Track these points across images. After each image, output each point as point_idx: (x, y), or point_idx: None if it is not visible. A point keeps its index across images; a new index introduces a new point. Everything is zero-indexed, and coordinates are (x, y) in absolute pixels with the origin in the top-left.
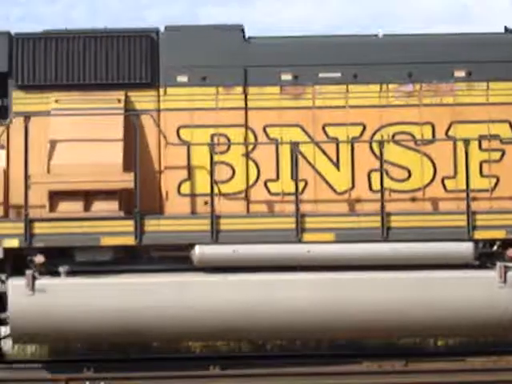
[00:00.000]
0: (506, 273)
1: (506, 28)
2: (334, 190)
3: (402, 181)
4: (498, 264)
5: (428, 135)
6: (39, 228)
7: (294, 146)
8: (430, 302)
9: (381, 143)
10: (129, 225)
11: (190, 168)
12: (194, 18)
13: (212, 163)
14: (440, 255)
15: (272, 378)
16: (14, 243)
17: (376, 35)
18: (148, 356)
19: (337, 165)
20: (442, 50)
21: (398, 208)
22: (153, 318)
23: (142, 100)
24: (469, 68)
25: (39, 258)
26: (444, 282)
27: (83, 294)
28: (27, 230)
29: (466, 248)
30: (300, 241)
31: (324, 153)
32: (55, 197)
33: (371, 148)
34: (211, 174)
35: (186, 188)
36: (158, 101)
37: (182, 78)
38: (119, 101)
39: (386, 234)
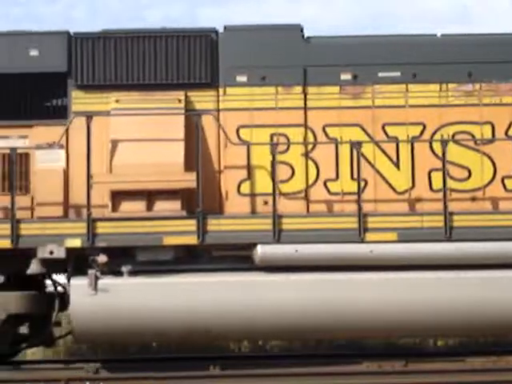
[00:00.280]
0: None
1: None
2: (394, 190)
3: (462, 180)
4: None
5: (488, 135)
6: (101, 228)
7: (357, 145)
8: (495, 301)
9: (444, 142)
10: (191, 224)
11: (249, 168)
12: (194, 19)
13: (274, 163)
14: (503, 255)
15: (272, 378)
16: (76, 243)
17: (435, 35)
18: (148, 356)
19: (397, 164)
20: (501, 49)
21: (458, 207)
22: (215, 317)
23: (202, 100)
24: None
25: (102, 258)
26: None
27: (146, 293)
28: (90, 230)
29: None
30: (363, 240)
31: (384, 152)
32: (117, 196)
33: (431, 147)
34: (273, 173)
35: (245, 188)
36: (218, 101)
37: (242, 78)
38: (179, 101)
39: (449, 233)
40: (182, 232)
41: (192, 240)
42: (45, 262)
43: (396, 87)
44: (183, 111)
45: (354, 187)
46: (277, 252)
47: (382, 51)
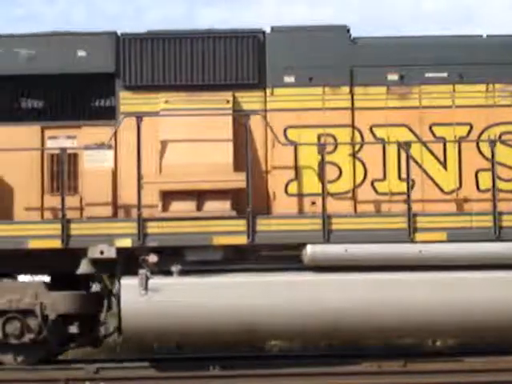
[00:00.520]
0: None
1: None
2: (442, 190)
3: (510, 180)
4: None
5: None
6: (152, 227)
7: (406, 146)
8: None
9: (492, 143)
10: (241, 224)
11: (297, 168)
12: (194, 20)
13: (323, 163)
14: None
15: (272, 378)
16: (126, 243)
17: (480, 35)
18: (148, 356)
19: (444, 164)
20: None
21: (505, 208)
22: (265, 316)
23: (249, 100)
24: None
25: (153, 258)
26: None
27: (196, 293)
28: (140, 230)
29: None
30: (412, 241)
31: (431, 152)
32: (167, 197)
33: (478, 148)
34: (322, 173)
35: (293, 188)
36: (265, 101)
37: (289, 79)
38: (228, 101)
39: (498, 233)
40: (231, 232)
41: (242, 240)
42: (95, 262)
43: (443, 88)
44: (231, 112)
45: (401, 187)
46: (327, 252)
47: (429, 52)
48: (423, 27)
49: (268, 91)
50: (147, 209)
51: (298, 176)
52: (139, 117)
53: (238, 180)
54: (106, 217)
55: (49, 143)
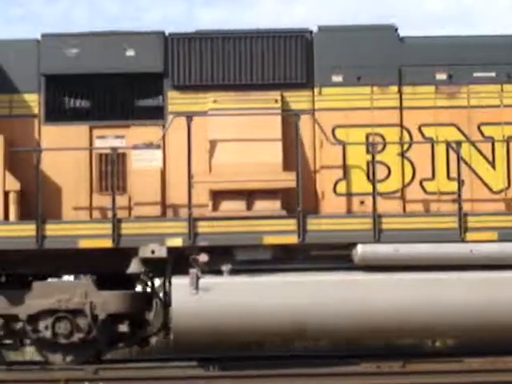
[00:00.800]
0: None
1: None
2: (490, 189)
3: None
4: None
5: None
6: (202, 227)
7: (457, 145)
8: None
9: None
10: (291, 224)
11: (345, 168)
12: (193, 20)
13: (373, 162)
14: None
15: (272, 378)
16: (177, 242)
17: None
18: (148, 356)
19: (492, 164)
20: None
21: None
22: (315, 316)
23: (297, 100)
24: None
25: (203, 257)
26: None
27: (247, 292)
28: (191, 229)
29: None
30: (463, 240)
31: (480, 152)
32: (217, 196)
33: None
34: (372, 173)
35: (341, 187)
36: (313, 101)
37: (337, 78)
38: (276, 101)
39: None
40: (281, 231)
41: (292, 239)
42: (145, 262)
43: (491, 87)
44: (280, 111)
45: (450, 187)
46: (377, 251)
47: (477, 52)
48: (422, 26)
49: (316, 90)
50: (196, 208)
51: (346, 175)
52: (189, 116)
53: (288, 179)
54: (154, 216)
55: (97, 143)
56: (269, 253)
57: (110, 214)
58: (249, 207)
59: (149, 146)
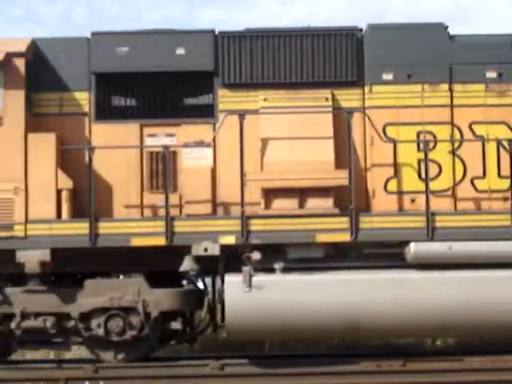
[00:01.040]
0: None
1: None
2: None
3: None
4: None
5: None
6: (255, 225)
7: (509, 143)
8: None
9: None
10: (344, 222)
11: (396, 165)
12: (193, 20)
13: (426, 160)
14: None
15: (272, 377)
16: (230, 240)
17: None
18: (148, 356)
19: None
20: None
21: None
22: (368, 314)
23: (348, 98)
24: None
25: (256, 255)
26: None
27: (300, 290)
28: (244, 227)
29: None
30: None
31: None
32: (269, 194)
33: None
34: (425, 170)
35: (392, 185)
36: (363, 99)
37: (388, 76)
38: (327, 99)
39: None
40: (334, 229)
41: (345, 237)
42: (197, 260)
43: None
44: (331, 109)
45: (501, 185)
46: (430, 250)
47: None
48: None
49: (366, 88)
50: (248, 206)
51: (397, 173)
52: (242, 115)
53: (341, 177)
54: (205, 214)
55: (147, 141)
56: (320, 251)
57: (160, 212)
58: (301, 205)
59: (199, 144)
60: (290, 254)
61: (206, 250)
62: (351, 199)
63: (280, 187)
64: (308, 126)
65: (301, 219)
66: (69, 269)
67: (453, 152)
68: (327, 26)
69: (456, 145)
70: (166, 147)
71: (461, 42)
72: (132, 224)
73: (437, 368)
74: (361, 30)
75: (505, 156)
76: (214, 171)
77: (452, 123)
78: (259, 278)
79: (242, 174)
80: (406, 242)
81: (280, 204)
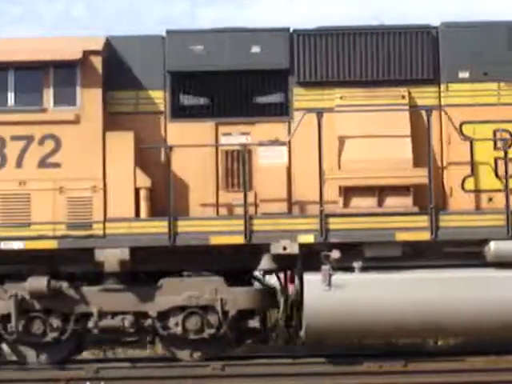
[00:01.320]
0: None
1: None
2: None
3: None
4: None
5: None
6: (333, 223)
7: None
8: None
9: None
10: (423, 220)
11: (473, 164)
12: (194, 19)
13: (506, 158)
14: None
15: (272, 377)
16: (309, 239)
17: None
18: (148, 356)
19: None
20: None
21: None
22: (448, 313)
23: (423, 96)
24: None
25: (335, 254)
26: None
27: (380, 289)
28: (322, 226)
29: None
30: None
31: None
32: (347, 192)
33: None
34: (505, 169)
35: (469, 184)
36: (439, 97)
37: (464, 74)
38: (403, 97)
39: None
40: (414, 228)
41: (425, 236)
42: (275, 258)
43: None
44: (407, 107)
45: None
46: (511, 248)
47: None
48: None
49: (443, 86)
50: (325, 205)
51: (474, 172)
52: (320, 113)
53: (420, 176)
54: (282, 213)
55: (222, 140)
56: (398, 249)
57: (236, 210)
58: (380, 204)
59: (275, 142)
60: (367, 253)
61: (284, 248)
62: (431, 198)
63: (359, 185)
64: (385, 124)
65: (380, 217)
66: (145, 268)
67: None
68: (402, 24)
69: None
70: (243, 146)
71: None
72: (210, 223)
73: (438, 368)
74: (435, 27)
75: None
76: (289, 169)
77: None
78: (339, 277)
79: (321, 172)
80: (486, 241)
81: (358, 202)
